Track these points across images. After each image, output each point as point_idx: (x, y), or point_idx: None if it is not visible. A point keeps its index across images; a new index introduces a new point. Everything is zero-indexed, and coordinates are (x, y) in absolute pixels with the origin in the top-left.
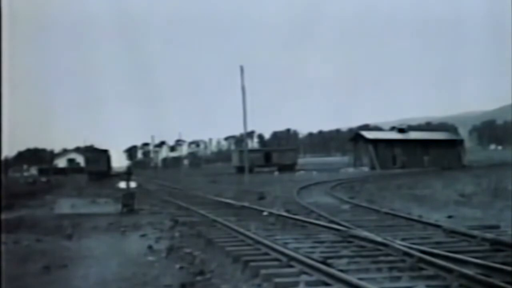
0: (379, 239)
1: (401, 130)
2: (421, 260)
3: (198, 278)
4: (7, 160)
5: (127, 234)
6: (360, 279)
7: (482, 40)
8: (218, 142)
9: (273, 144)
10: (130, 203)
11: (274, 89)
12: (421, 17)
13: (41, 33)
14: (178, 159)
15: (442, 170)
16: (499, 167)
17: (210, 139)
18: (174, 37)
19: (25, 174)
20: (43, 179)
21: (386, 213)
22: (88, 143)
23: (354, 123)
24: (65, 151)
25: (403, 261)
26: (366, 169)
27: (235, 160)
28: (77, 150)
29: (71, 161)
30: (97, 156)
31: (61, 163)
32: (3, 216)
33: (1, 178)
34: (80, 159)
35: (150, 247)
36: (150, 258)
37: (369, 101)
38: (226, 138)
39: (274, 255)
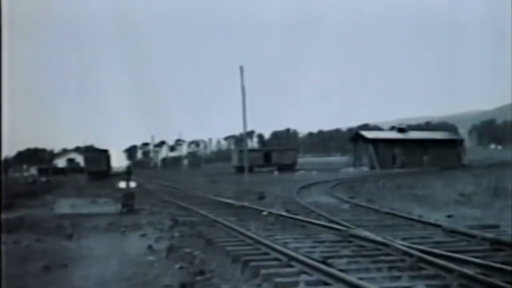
0: (379, 238)
1: (400, 130)
2: (421, 259)
3: (198, 278)
4: (7, 160)
5: (127, 234)
6: (360, 278)
7: (482, 39)
8: (218, 142)
9: (273, 144)
10: (130, 203)
11: (274, 89)
12: (420, 16)
13: (41, 33)
14: (178, 159)
15: (442, 169)
16: (499, 166)
17: (210, 139)
18: (174, 37)
19: (25, 174)
20: (43, 179)
21: (386, 213)
22: (88, 143)
23: (354, 123)
24: (65, 151)
25: (403, 260)
26: (365, 168)
27: (235, 160)
28: (77, 150)
29: (71, 161)
30: (97, 156)
31: (61, 163)
32: (3, 216)
33: (1, 178)
34: (80, 159)
35: (150, 247)
36: (150, 258)
37: (369, 101)
38: (226, 138)
39: (274, 255)
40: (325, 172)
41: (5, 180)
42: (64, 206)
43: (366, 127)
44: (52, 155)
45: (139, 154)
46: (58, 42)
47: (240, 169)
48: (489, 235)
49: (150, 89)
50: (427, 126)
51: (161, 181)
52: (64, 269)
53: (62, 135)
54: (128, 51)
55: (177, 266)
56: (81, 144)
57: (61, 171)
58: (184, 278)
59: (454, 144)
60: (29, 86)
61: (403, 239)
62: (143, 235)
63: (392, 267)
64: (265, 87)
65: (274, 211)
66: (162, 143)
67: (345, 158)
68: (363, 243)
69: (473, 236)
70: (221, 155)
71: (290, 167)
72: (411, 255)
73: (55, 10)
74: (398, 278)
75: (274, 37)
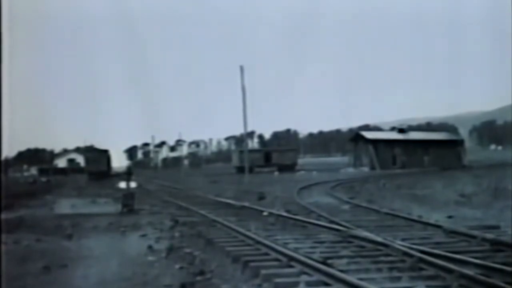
0: (379, 239)
1: (401, 130)
2: (421, 260)
3: (198, 278)
4: (7, 160)
5: (127, 234)
6: (360, 279)
7: (482, 39)
8: (218, 142)
9: (273, 144)
10: (130, 203)
11: (274, 89)
12: (421, 16)
13: (41, 33)
14: (178, 159)
15: (442, 170)
16: (499, 167)
17: (210, 139)
18: (174, 37)
19: (25, 174)
20: (43, 179)
21: (386, 213)
22: (88, 143)
23: (354, 123)
24: (65, 151)
25: (403, 261)
26: (366, 169)
27: (235, 160)
28: (77, 150)
29: (71, 161)
30: (97, 156)
31: (61, 163)
32: (3, 216)
33: (1, 178)
34: (80, 159)
35: (150, 247)
36: (150, 258)
37: (369, 101)
38: (226, 138)
39: (274, 255)
40: (325, 173)
41: (5, 180)
42: (64, 206)
43: (366, 127)
44: (53, 155)
45: (139, 154)
46: (58, 42)
47: (240, 170)
48: (489, 235)
49: (150, 89)
50: (428, 126)
51: (161, 181)
52: (64, 269)
53: (62, 135)
54: (128, 51)
55: (177, 266)
56: (82, 144)
57: (62, 171)
58: (184, 278)
59: (455, 144)
60: (29, 86)
61: (403, 240)
62: (143, 235)
63: (392, 268)
64: (265, 87)
65: (274, 211)
66: (162, 143)
67: (346, 159)
68: (363, 243)
69: (473, 237)
70: (221, 156)
71: (290, 168)
72: (411, 256)
73: (56, 10)
74: (398, 278)
75: (275, 37)
